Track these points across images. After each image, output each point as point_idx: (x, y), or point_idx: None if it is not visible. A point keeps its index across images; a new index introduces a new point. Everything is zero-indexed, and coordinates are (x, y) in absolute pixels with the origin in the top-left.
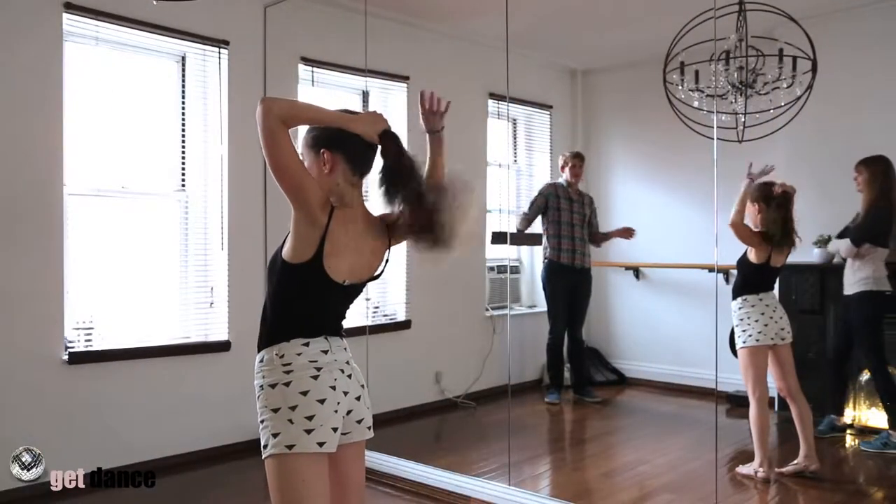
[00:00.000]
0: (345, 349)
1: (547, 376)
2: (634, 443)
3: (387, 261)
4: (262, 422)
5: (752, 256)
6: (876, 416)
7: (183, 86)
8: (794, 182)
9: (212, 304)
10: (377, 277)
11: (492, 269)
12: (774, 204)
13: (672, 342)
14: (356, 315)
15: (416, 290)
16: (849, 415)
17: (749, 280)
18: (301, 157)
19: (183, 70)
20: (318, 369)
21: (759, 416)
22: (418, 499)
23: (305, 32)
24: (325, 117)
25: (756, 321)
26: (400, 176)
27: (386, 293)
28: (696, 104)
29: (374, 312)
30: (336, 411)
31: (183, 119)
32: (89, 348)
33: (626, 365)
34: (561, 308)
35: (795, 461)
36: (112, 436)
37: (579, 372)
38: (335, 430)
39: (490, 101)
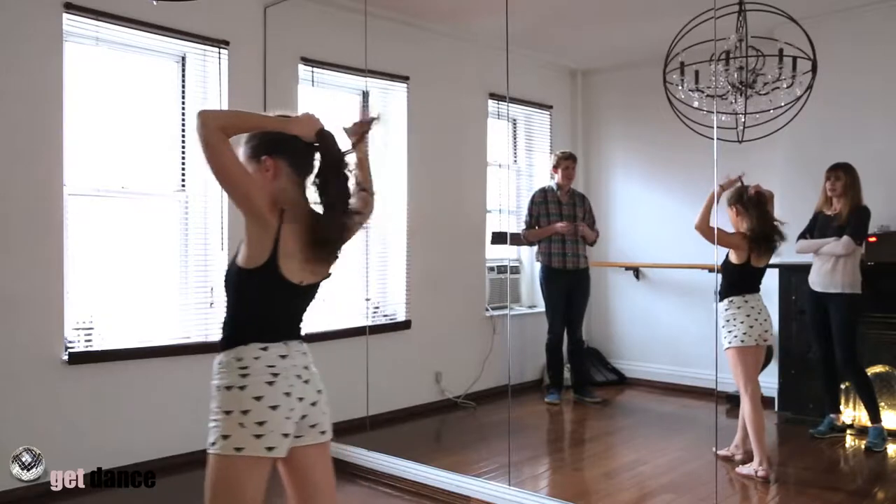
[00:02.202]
0: (304, 353)
1: (547, 376)
2: (634, 443)
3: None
4: (213, 420)
5: (733, 258)
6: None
7: (183, 86)
8: (794, 182)
9: (212, 304)
10: (331, 275)
11: (492, 269)
12: (751, 206)
13: (672, 342)
14: (356, 315)
15: (416, 290)
16: (849, 415)
17: (733, 282)
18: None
19: (183, 70)
20: (275, 375)
21: (754, 414)
22: (418, 499)
23: (305, 32)
24: (263, 122)
25: (742, 322)
26: (334, 174)
27: (386, 293)
28: (696, 104)
29: (374, 312)
30: (288, 418)
31: (183, 119)
32: (89, 348)
33: (626, 365)
34: (559, 309)
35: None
36: (112, 436)
37: (579, 372)
38: (286, 435)
39: (490, 101)
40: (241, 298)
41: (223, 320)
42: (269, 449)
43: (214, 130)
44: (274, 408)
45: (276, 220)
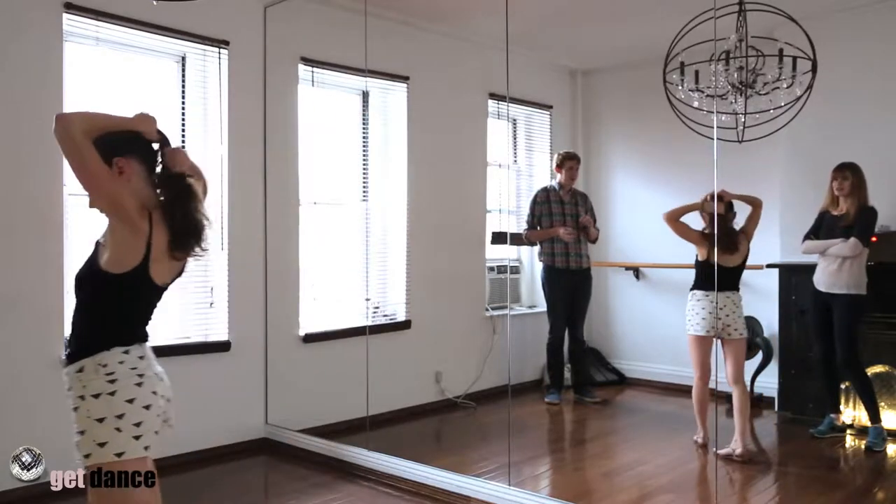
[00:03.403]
0: (151, 351)
1: (547, 376)
2: (634, 443)
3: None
4: (81, 432)
5: (698, 255)
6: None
7: (183, 86)
8: (794, 182)
9: (212, 304)
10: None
11: (492, 269)
12: (710, 208)
13: (672, 342)
14: (356, 315)
15: (416, 290)
16: (848, 415)
17: (698, 276)
18: None
19: (183, 70)
20: (141, 376)
21: (697, 393)
22: (418, 499)
23: (305, 32)
24: (115, 122)
25: (697, 314)
26: (178, 171)
27: (386, 293)
28: (696, 104)
29: (374, 312)
30: (158, 416)
31: (183, 119)
32: None
33: (626, 365)
34: (560, 309)
35: (729, 446)
36: None
37: (579, 372)
38: (156, 433)
39: (490, 101)
40: (103, 303)
41: (74, 325)
42: (146, 448)
43: (80, 133)
44: (147, 407)
45: (146, 224)
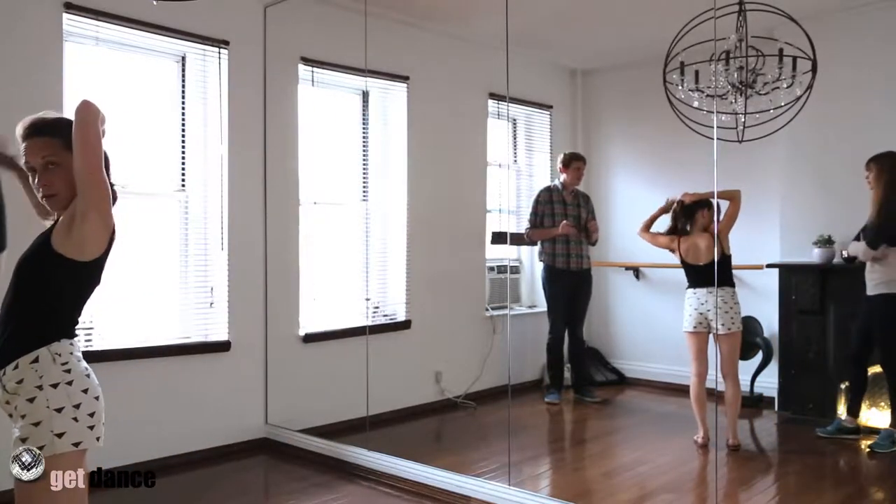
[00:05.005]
0: None
1: (547, 376)
2: (634, 443)
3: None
4: (36, 423)
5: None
6: (877, 416)
7: (183, 86)
8: (794, 182)
9: (212, 304)
10: None
11: (492, 269)
12: (676, 211)
13: (672, 342)
14: (356, 315)
15: (416, 290)
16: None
17: (686, 276)
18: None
19: (183, 70)
20: (87, 367)
21: (694, 390)
22: (418, 499)
23: (305, 32)
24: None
25: (685, 310)
26: None
27: (386, 293)
28: (696, 104)
29: (374, 312)
30: (103, 407)
31: (183, 119)
32: (89, 348)
33: (626, 365)
34: (560, 309)
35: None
36: (112, 436)
37: (579, 372)
38: (104, 424)
39: (490, 101)
40: (58, 291)
41: (18, 317)
42: (98, 439)
43: (100, 125)
44: (97, 398)
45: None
